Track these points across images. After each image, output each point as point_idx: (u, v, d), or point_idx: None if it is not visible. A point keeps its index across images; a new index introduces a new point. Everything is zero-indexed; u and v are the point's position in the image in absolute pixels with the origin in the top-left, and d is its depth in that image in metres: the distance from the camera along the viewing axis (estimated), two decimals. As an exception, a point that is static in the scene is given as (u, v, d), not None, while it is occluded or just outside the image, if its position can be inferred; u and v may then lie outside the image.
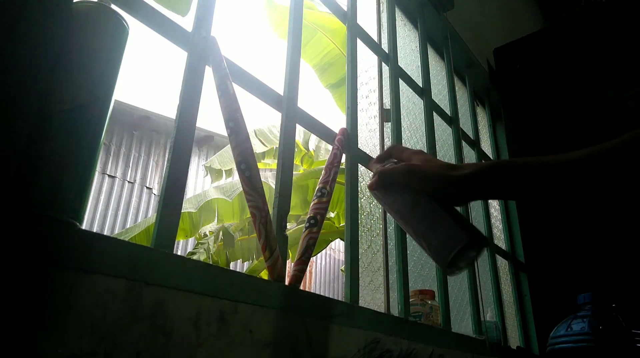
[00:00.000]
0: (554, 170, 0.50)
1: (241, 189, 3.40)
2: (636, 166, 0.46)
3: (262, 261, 3.76)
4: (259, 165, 3.95)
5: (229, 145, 0.70)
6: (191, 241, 5.69)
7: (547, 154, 0.51)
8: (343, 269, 1.05)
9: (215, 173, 3.82)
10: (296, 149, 4.08)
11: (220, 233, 3.80)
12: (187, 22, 0.78)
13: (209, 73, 0.76)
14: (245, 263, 4.24)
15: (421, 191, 0.55)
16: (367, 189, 0.64)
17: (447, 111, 1.73)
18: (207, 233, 4.13)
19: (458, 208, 0.60)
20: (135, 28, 0.66)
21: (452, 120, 1.72)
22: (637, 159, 0.46)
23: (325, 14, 2.94)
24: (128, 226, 5.44)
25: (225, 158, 3.87)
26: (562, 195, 0.52)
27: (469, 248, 0.52)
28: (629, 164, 0.46)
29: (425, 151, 1.47)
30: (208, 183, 6.00)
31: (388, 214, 1.25)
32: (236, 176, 3.89)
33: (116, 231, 5.29)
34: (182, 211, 3.34)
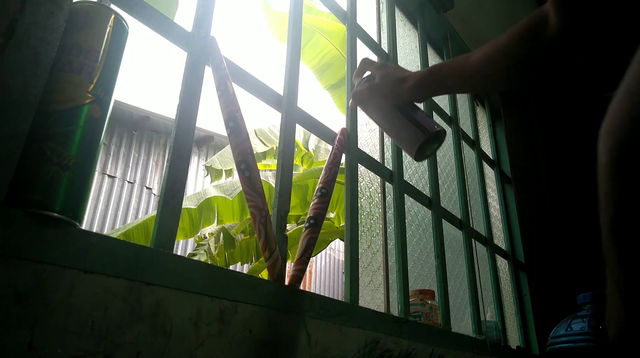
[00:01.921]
0: (466, 72, 0.64)
1: (241, 188, 3.40)
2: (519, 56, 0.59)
3: (263, 261, 3.76)
4: (259, 165, 3.95)
5: (229, 145, 0.72)
6: (191, 242, 5.69)
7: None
8: (344, 271, 1.06)
9: (215, 173, 3.82)
10: (296, 149, 4.09)
11: (221, 234, 3.80)
12: (186, 22, 0.78)
13: (208, 73, 0.76)
14: (245, 264, 4.24)
15: (385, 102, 0.72)
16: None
17: (447, 111, 1.73)
18: (207, 235, 4.12)
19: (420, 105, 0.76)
20: (135, 28, 0.66)
21: (452, 120, 1.72)
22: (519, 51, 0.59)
23: (323, 17, 2.94)
24: (128, 226, 5.45)
25: (226, 157, 3.87)
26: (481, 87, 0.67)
27: (430, 141, 0.69)
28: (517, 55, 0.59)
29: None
30: (208, 183, 6.00)
31: (387, 213, 1.25)
32: (236, 176, 3.88)
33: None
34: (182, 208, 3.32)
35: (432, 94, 0.72)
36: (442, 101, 1.73)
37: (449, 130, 1.74)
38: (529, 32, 0.58)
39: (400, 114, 0.70)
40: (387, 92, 0.70)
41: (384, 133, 0.78)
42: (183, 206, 3.34)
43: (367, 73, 0.77)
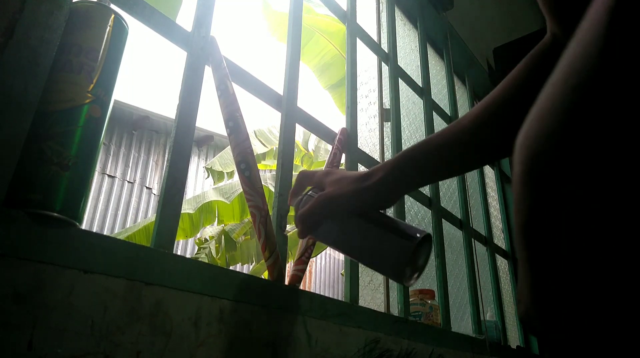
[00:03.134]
0: (459, 137, 0.52)
1: (240, 190, 3.40)
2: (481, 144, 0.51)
3: (263, 263, 3.76)
4: (259, 166, 3.94)
5: (229, 146, 0.71)
6: (192, 245, 5.69)
7: None
8: (343, 273, 1.06)
9: (217, 175, 3.82)
10: (296, 150, 4.09)
11: (222, 237, 3.80)
12: (186, 22, 0.78)
13: (208, 73, 0.76)
14: (247, 265, 4.24)
15: (347, 214, 0.52)
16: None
17: (447, 110, 1.73)
18: (208, 237, 4.12)
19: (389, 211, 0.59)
20: (135, 28, 0.66)
21: (451, 120, 1.72)
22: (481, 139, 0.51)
23: (322, 17, 2.94)
24: (128, 226, 5.45)
25: (226, 159, 3.87)
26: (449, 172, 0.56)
27: (420, 250, 0.51)
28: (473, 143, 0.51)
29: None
30: (208, 184, 6.00)
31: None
32: (235, 178, 3.88)
33: (116, 231, 5.30)
34: (181, 212, 3.34)
35: (409, 186, 0.55)
36: (442, 100, 1.73)
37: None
38: (535, 60, 0.52)
39: (372, 225, 0.51)
40: (348, 198, 0.51)
41: (358, 260, 0.55)
42: (182, 210, 3.35)
43: (308, 190, 0.57)
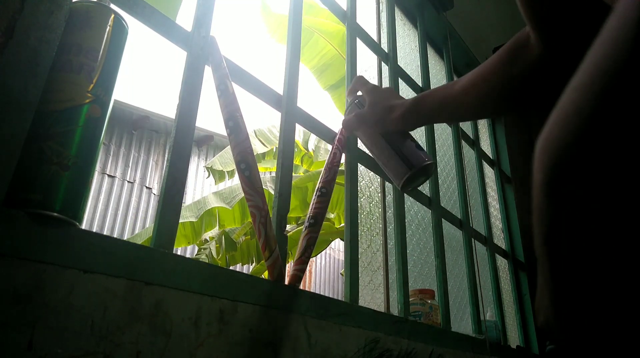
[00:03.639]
0: (449, 103, 0.66)
1: (241, 195, 3.40)
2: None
3: (263, 264, 3.76)
4: (259, 168, 3.93)
5: (229, 146, 0.73)
6: (192, 245, 5.69)
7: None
8: (343, 273, 1.08)
9: (218, 174, 3.82)
10: (296, 150, 4.08)
11: (223, 238, 3.80)
12: (186, 22, 0.78)
13: (208, 73, 0.76)
14: (247, 265, 4.24)
15: (374, 132, 0.71)
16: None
17: (447, 110, 1.73)
18: (208, 238, 4.12)
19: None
20: (135, 28, 0.66)
21: (451, 120, 1.72)
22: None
23: (321, 18, 2.94)
24: (128, 225, 5.45)
25: (226, 158, 3.87)
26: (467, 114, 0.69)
27: (417, 175, 0.69)
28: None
29: (425, 150, 1.47)
30: (208, 184, 6.00)
31: (387, 213, 1.25)
32: (235, 181, 3.88)
33: (116, 231, 5.30)
34: (183, 220, 3.34)
35: (419, 125, 0.71)
36: (441, 100, 1.73)
37: (448, 129, 1.74)
38: (510, 56, 0.57)
39: (388, 145, 0.70)
40: (375, 121, 0.70)
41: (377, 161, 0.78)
42: (184, 218, 3.35)
43: (359, 93, 0.77)
